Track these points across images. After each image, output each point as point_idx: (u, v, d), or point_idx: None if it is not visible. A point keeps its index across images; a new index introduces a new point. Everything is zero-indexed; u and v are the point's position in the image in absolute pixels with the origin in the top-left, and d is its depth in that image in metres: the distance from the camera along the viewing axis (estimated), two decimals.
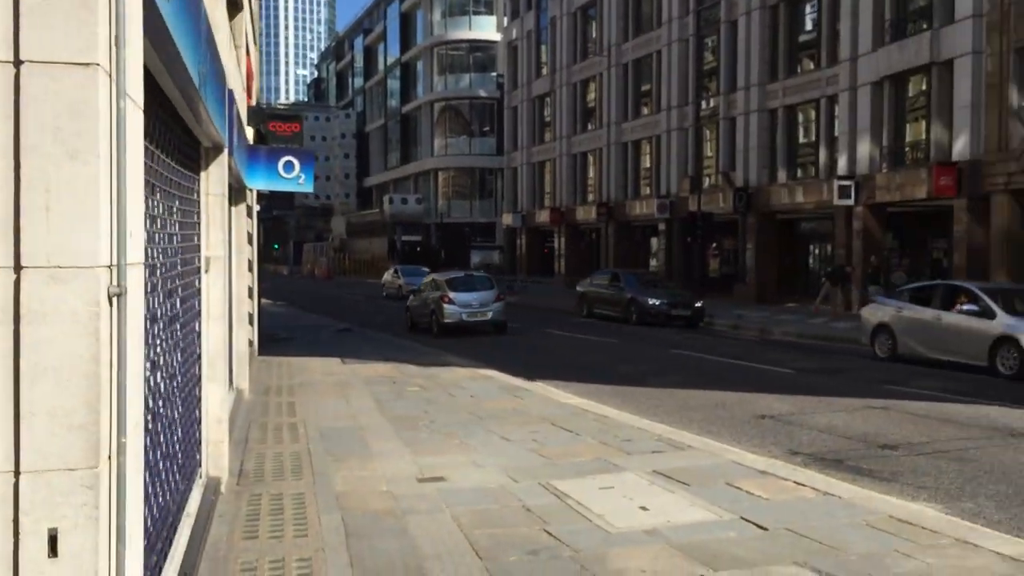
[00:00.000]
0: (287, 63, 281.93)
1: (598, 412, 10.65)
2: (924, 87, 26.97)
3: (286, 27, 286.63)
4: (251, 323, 15.43)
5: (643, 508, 6.56)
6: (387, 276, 45.51)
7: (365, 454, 8.41)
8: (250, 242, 15.29)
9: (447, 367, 15.24)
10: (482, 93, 69.51)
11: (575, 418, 10.27)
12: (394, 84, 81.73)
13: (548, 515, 6.40)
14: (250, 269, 15.30)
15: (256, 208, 17.30)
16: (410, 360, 16.21)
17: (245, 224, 11.05)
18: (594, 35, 48.49)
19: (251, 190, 14.10)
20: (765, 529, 6.04)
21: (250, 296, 15.28)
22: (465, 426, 9.82)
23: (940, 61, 25.72)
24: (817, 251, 36.26)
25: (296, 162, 10.92)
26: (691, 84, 39.11)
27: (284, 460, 8.13)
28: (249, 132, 12.56)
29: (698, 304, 25.80)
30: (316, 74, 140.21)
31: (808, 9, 33.26)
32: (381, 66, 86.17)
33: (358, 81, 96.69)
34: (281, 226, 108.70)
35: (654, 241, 44.58)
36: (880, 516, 6.28)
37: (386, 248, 70.97)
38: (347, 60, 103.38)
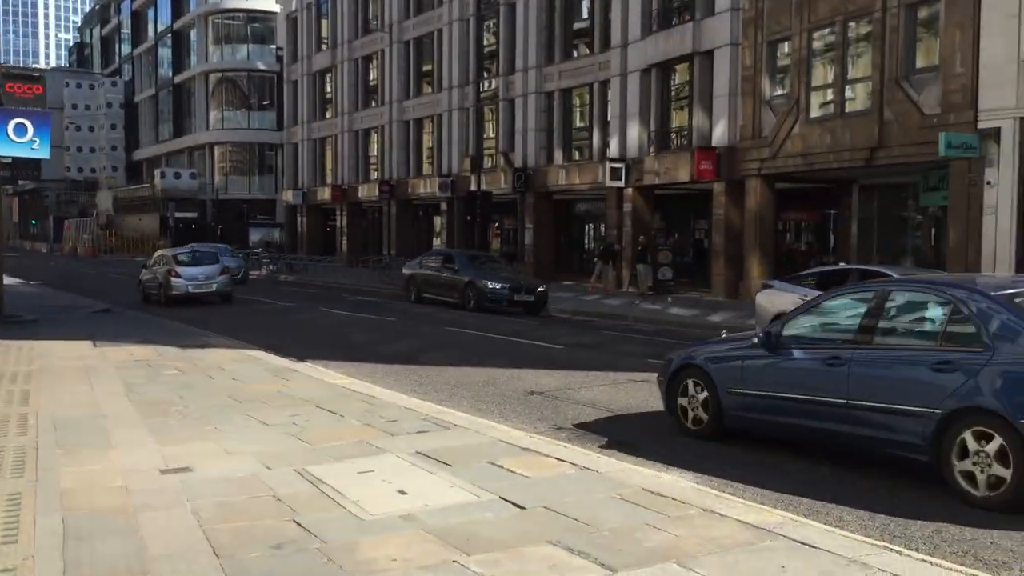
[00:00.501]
0: (47, 25, 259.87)
1: (366, 392, 10.32)
2: (688, 76, 28.35)
3: None
4: None
5: (401, 492, 6.31)
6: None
7: (102, 445, 7.66)
8: None
9: (211, 348, 14.39)
10: (261, 66, 66.86)
11: (341, 399, 9.90)
12: (165, 52, 77.05)
13: (300, 504, 6.03)
14: None
15: None
16: (172, 342, 15.19)
17: None
18: (375, 11, 47.65)
19: None
20: (523, 508, 5.95)
21: None
22: (222, 411, 9.21)
23: (701, 51, 27.11)
24: (592, 231, 37.55)
25: (29, 124, 9.83)
26: (472, 64, 39.28)
27: (4, 456, 7.25)
28: None
29: (541, 288, 23.67)
30: (79, 38, 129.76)
31: None
32: (151, 33, 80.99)
33: (126, 48, 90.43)
34: (39, 200, 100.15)
35: (437, 220, 44.62)
36: (634, 489, 6.36)
37: (158, 225, 66.99)
38: (113, 25, 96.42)
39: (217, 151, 68.58)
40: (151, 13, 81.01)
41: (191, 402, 9.73)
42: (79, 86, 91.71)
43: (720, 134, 26.46)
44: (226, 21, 67.98)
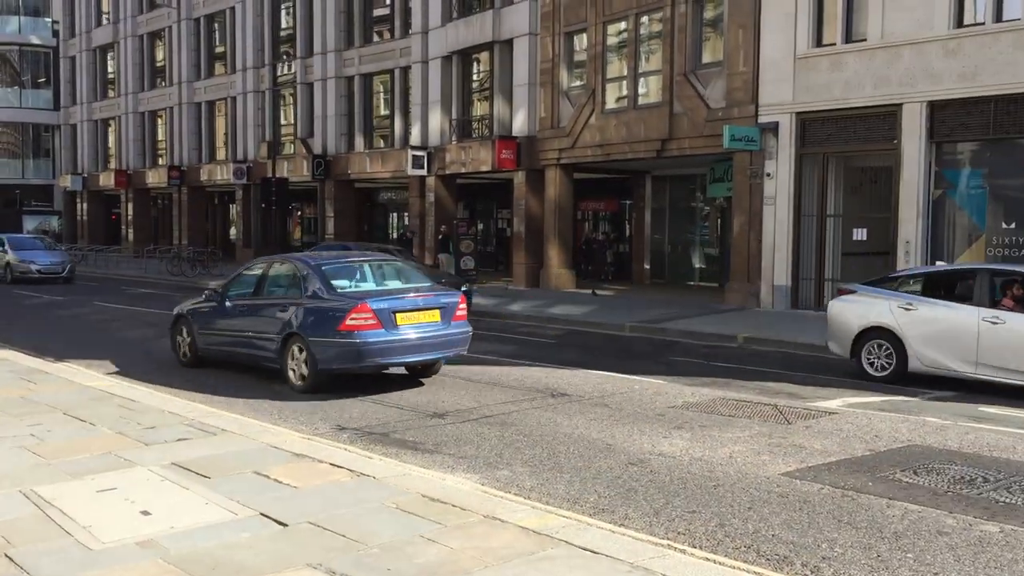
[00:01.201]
0: None
1: (126, 396, 9.30)
2: (488, 64, 28.19)
3: None
4: None
5: (145, 513, 5.54)
6: None
7: None
8: None
9: None
10: (35, 40, 61.36)
11: (95, 404, 8.85)
12: None
13: (17, 533, 5.14)
14: None
15: None
16: None
17: None
18: None
19: None
20: (285, 525, 5.33)
21: None
22: None
23: (501, 40, 26.98)
24: (396, 219, 36.90)
25: None
26: (268, 45, 37.60)
27: None
28: None
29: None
30: None
31: None
32: None
33: None
34: None
35: (232, 208, 42.55)
36: (412, 496, 5.87)
37: None
38: None
39: None
40: None
41: None
42: None
43: (520, 124, 26.45)
44: None
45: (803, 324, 16.55)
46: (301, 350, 10.39)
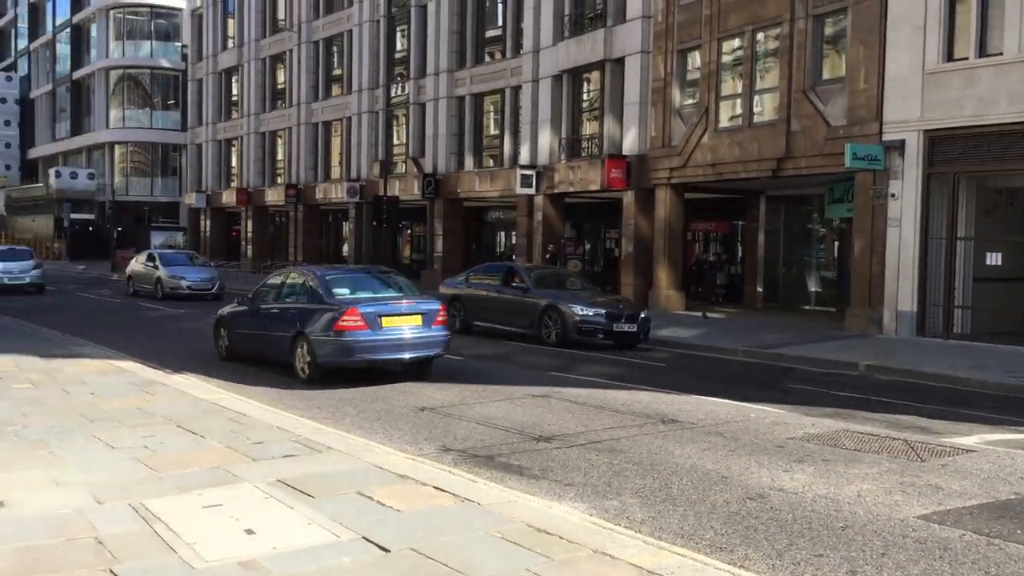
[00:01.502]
0: None
1: (237, 409, 9.37)
2: (599, 83, 27.97)
3: None
4: None
5: (249, 532, 5.46)
6: (136, 265, 31.30)
7: None
8: None
9: (79, 359, 13.17)
10: (165, 63, 64.46)
11: (207, 417, 8.94)
12: (64, 47, 73.78)
13: (124, 548, 5.13)
14: None
15: None
16: (38, 352, 13.89)
17: None
18: (284, 10, 46.26)
19: None
20: (387, 551, 5.17)
21: None
22: (66, 432, 8.18)
23: (613, 58, 26.73)
24: (503, 238, 36.95)
25: None
26: (383, 67, 38.32)
27: None
28: None
29: (643, 315, 18.00)
30: None
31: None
32: (49, 26, 77.48)
33: (22, 42, 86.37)
34: None
35: (345, 226, 43.43)
36: (517, 526, 5.63)
37: (52, 226, 63.90)
38: (9, 17, 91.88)
39: (118, 151, 65.79)
40: (49, 6, 77.51)
41: (34, 420, 8.66)
42: None
43: (631, 142, 26.11)
44: (129, 16, 65.31)
45: (931, 352, 15.66)
46: (304, 346, 12.23)
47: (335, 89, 42.55)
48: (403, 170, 36.99)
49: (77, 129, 71.00)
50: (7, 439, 7.84)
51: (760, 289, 26.86)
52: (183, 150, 60.35)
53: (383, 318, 12.08)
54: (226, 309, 14.92)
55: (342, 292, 12.74)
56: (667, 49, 24.88)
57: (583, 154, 28.46)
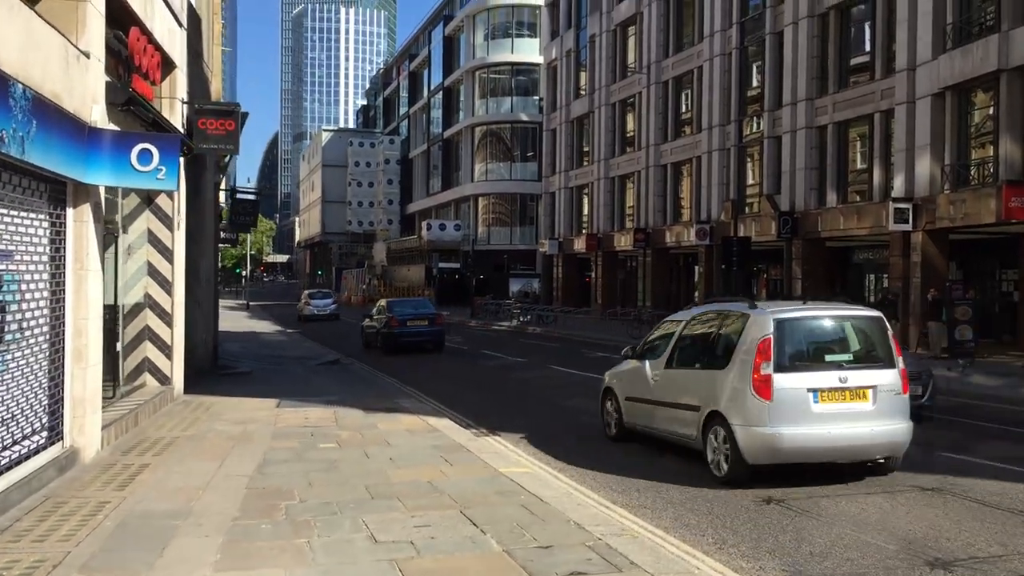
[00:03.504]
0: (346, 93, 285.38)
1: (535, 493, 7.78)
2: (992, 97, 23.73)
3: (346, 59, 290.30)
4: (170, 356, 12.93)
5: None
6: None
7: (140, 568, 5.70)
8: (168, 256, 12.84)
9: (396, 414, 12.53)
10: (524, 117, 67.22)
11: (499, 501, 7.46)
12: (437, 109, 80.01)
13: None
14: (166, 291, 12.83)
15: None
16: (363, 403, 13.56)
17: (91, 232, 8.49)
18: (633, 53, 45.82)
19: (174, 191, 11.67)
20: None
21: (169, 323, 12.80)
22: (340, 511, 7.09)
23: (1010, 67, 22.48)
24: (872, 282, 32.88)
25: (154, 150, 8.36)
26: (734, 101, 36.18)
27: None
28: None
29: None
30: (365, 102, 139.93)
31: (860, 15, 30.15)
32: (425, 92, 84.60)
33: (403, 108, 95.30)
34: (326, 252, 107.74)
35: (696, 270, 41.51)
36: None
37: (423, 275, 68.77)
38: (393, 87, 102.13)
39: (481, 202, 69.51)
40: (425, 73, 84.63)
41: (314, 493, 7.71)
42: (361, 144, 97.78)
43: None
44: (492, 75, 69.12)
45: None
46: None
47: (685, 129, 41.07)
48: (757, 209, 34.42)
49: (447, 184, 76.29)
50: (274, 520, 6.87)
51: None
52: (539, 199, 62.12)
53: (408, 320, 16.42)
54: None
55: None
56: None
57: (972, 182, 24.25)
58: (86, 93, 8.24)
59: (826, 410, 8.72)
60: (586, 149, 51.65)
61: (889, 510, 7.86)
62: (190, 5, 14.61)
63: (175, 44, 12.55)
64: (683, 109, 41.48)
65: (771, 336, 8.78)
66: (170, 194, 12.65)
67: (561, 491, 7.98)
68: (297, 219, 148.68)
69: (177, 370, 13.27)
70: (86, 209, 8.37)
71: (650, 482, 8.89)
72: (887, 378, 8.99)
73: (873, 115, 28.41)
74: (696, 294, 40.51)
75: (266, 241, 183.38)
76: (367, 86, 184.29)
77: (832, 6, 30.11)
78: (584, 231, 50.93)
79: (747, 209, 35.19)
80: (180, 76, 13.07)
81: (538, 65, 63.38)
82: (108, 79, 8.99)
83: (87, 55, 8.23)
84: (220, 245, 24.26)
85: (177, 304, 13.04)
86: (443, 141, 77.22)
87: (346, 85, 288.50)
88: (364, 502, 7.42)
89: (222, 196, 23.20)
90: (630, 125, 46.34)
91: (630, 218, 46.01)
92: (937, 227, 24.74)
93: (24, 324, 7.43)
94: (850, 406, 8.80)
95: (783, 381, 8.67)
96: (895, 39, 27.11)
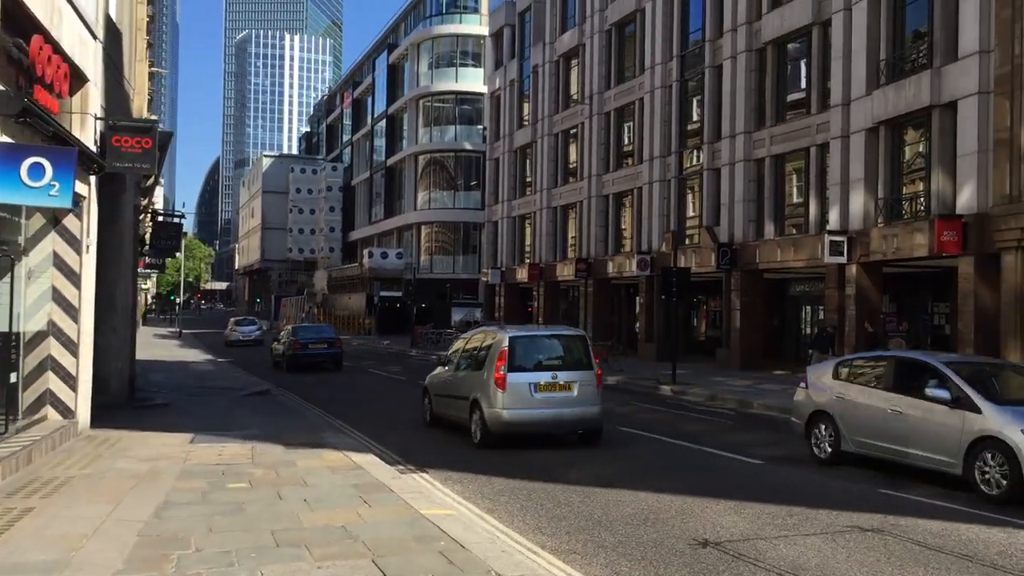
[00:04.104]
0: (290, 119, 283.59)
1: (456, 538, 7.25)
2: (924, 133, 24.03)
3: (291, 86, 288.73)
4: (74, 387, 12.15)
5: None
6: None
7: None
8: (74, 280, 12.08)
9: (319, 449, 11.90)
10: (467, 146, 67.07)
11: (416, 548, 6.93)
12: (380, 137, 79.49)
13: None
14: (70, 315, 12.06)
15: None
16: (285, 438, 12.90)
17: None
18: (576, 84, 45.91)
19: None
20: None
21: (74, 352, 12.03)
22: (236, 562, 6.50)
23: (942, 103, 22.80)
24: (809, 314, 33.07)
25: (47, 164, 7.74)
26: (674, 133, 36.31)
27: None
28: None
29: None
30: (308, 129, 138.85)
31: (797, 51, 30.49)
32: (369, 119, 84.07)
33: (347, 135, 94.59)
34: (265, 280, 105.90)
35: (638, 300, 41.41)
36: None
37: (364, 304, 67.81)
38: (336, 114, 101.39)
39: (423, 230, 68.97)
40: (369, 101, 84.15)
41: (213, 541, 7.09)
42: (303, 171, 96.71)
43: (967, 200, 21.90)
44: (436, 104, 68.90)
45: None
46: None
47: (627, 160, 41.13)
48: (697, 240, 34.46)
49: (390, 212, 75.64)
50: (163, 573, 6.24)
51: None
52: (482, 228, 61.80)
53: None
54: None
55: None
56: (1013, 87, 20.67)
57: (904, 216, 24.47)
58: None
59: (543, 397, 12.89)
60: (529, 179, 51.51)
61: (829, 554, 7.51)
62: (108, 18, 13.95)
63: (87, 56, 11.89)
64: (625, 140, 41.56)
65: (506, 348, 12.95)
66: (78, 214, 11.95)
67: (485, 537, 7.47)
68: (237, 246, 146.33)
69: (83, 402, 12.48)
70: None
71: (587, 524, 8.43)
72: (586, 377, 13.22)
73: (809, 148, 28.66)
74: (637, 324, 40.41)
75: (204, 268, 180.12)
76: (311, 113, 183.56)
77: (769, 41, 30.42)
78: (527, 260, 50.64)
79: (687, 240, 35.23)
80: (93, 90, 12.39)
81: (482, 95, 63.31)
82: (1, 87, 8.34)
83: None
84: (145, 271, 23.31)
85: (84, 332, 12.27)
86: (386, 169, 76.67)
87: (290, 112, 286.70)
88: (267, 550, 6.83)
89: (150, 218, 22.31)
90: (572, 155, 46.32)
91: (572, 248, 45.86)
92: (871, 260, 24.89)
93: None
94: (559, 395, 12.96)
95: (513, 378, 12.83)
96: (830, 75, 27.42)
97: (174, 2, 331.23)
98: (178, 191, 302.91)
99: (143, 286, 79.68)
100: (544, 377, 12.93)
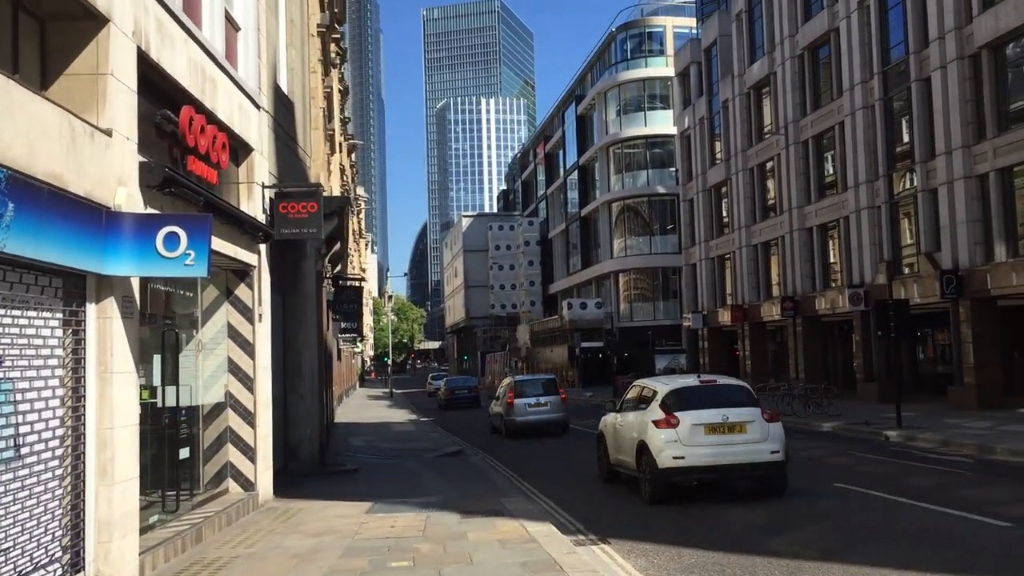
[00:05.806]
0: (490, 180, 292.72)
1: None
2: None
3: (488, 147, 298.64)
4: (252, 459, 11.99)
5: None
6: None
7: None
8: (248, 351, 11.98)
9: (494, 518, 11.05)
10: (660, 189, 65.77)
11: None
12: (573, 189, 79.65)
13: None
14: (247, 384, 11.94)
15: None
16: (462, 505, 12.16)
17: (118, 329, 7.62)
18: (769, 115, 43.85)
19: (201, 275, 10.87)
20: None
21: (252, 423, 11.89)
22: None
23: None
24: None
25: (182, 233, 7.45)
26: (881, 155, 33.62)
27: None
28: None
29: None
30: (505, 187, 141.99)
31: (1017, 54, 27.39)
32: (561, 171, 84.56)
33: (541, 189, 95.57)
34: (471, 337, 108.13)
35: (854, 338, 38.36)
36: None
37: (566, 355, 67.34)
38: (531, 170, 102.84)
39: (621, 278, 67.94)
40: (560, 154, 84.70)
41: None
42: (500, 228, 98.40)
43: None
44: (626, 150, 68.22)
45: None
46: None
47: (829, 189, 38.57)
48: (916, 269, 31.49)
49: (586, 262, 75.22)
50: None
51: None
52: (680, 272, 60.04)
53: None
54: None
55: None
56: None
57: None
58: (106, 174, 7.44)
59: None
60: (726, 218, 49.57)
61: None
62: (277, 87, 14.10)
63: (249, 125, 11.92)
64: (826, 168, 39.06)
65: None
66: (249, 284, 11.88)
67: None
68: (444, 305, 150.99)
69: (263, 474, 12.31)
70: (110, 304, 7.50)
71: None
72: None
73: None
74: (855, 363, 37.34)
75: (417, 328, 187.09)
76: (507, 171, 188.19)
77: (984, 45, 27.54)
78: (729, 302, 48.50)
79: (904, 270, 32.29)
80: (259, 159, 12.41)
81: (672, 136, 62.01)
82: (143, 159, 8.21)
83: (107, 132, 7.46)
84: (343, 335, 23.67)
85: (260, 403, 12.13)
86: (580, 219, 76.51)
87: (489, 172, 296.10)
88: None
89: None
90: (770, 189, 44.11)
91: (777, 286, 43.42)
92: None
93: (27, 439, 6.51)
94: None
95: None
96: None
97: (378, 78, 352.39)
98: (391, 258, 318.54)
99: (355, 349, 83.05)
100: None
